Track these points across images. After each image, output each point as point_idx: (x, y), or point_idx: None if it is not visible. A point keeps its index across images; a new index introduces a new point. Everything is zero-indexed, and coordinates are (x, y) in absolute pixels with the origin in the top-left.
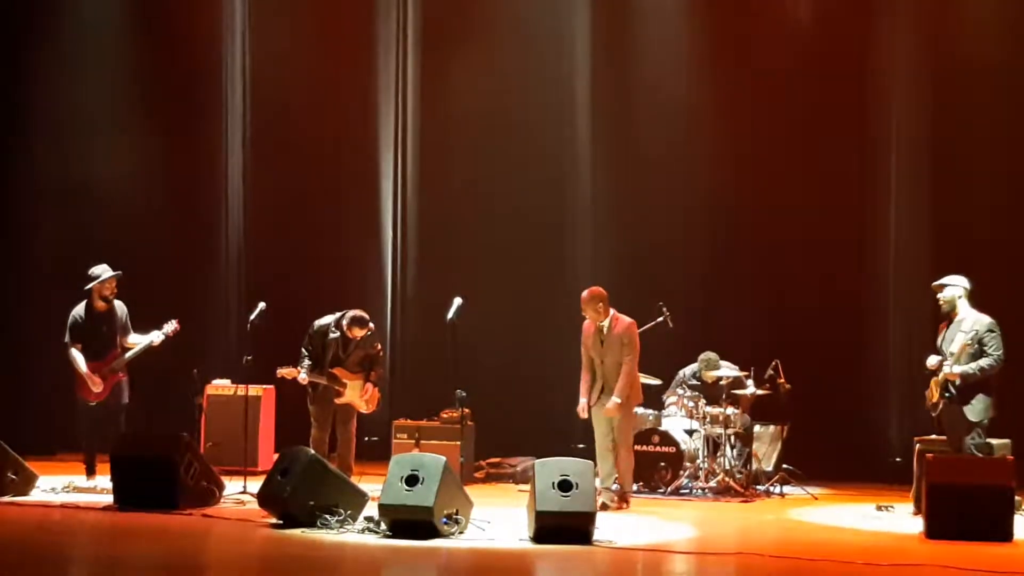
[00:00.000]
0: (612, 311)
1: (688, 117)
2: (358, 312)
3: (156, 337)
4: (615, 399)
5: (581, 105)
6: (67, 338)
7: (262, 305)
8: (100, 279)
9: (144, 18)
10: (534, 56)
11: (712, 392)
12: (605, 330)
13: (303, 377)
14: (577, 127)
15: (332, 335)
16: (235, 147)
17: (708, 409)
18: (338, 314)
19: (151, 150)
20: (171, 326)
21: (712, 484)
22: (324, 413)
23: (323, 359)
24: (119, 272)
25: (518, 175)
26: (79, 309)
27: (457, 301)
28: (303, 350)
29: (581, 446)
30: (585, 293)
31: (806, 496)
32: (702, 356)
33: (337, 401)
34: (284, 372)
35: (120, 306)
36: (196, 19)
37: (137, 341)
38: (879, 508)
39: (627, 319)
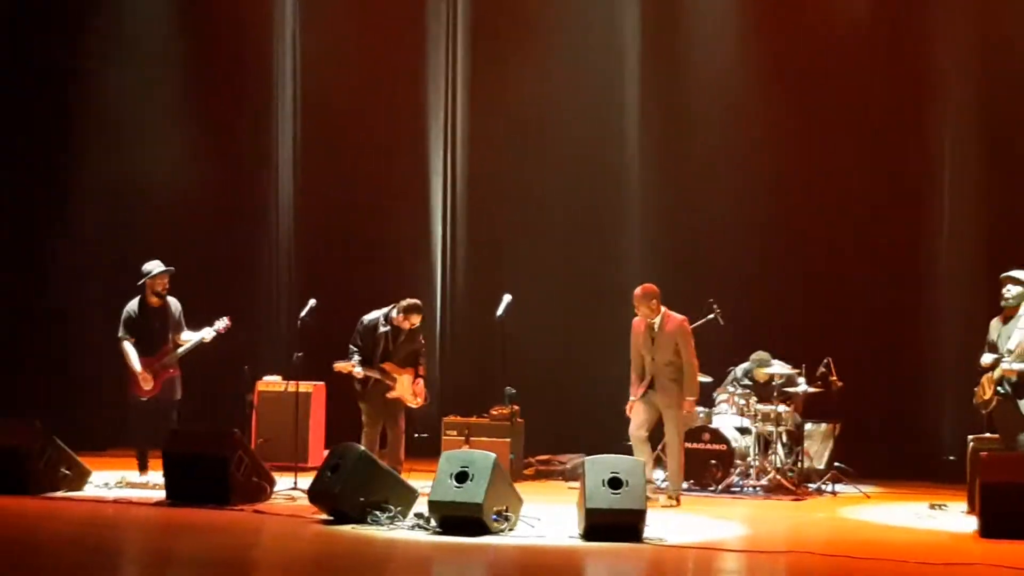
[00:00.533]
0: (664, 308)
1: (739, 114)
2: (412, 300)
3: (207, 334)
4: (689, 398)
5: (630, 103)
6: (120, 333)
7: (312, 302)
8: (152, 275)
9: (194, 18)
10: (584, 53)
11: (764, 392)
12: (656, 328)
13: (359, 371)
14: (626, 124)
15: (382, 329)
16: (285, 145)
17: (759, 407)
18: (387, 308)
19: (202, 148)
20: (223, 323)
21: (763, 482)
22: (375, 409)
23: (373, 354)
24: (171, 268)
25: (567, 172)
26: (132, 304)
27: (506, 298)
28: (351, 346)
29: (631, 443)
30: (638, 290)
31: (858, 494)
32: (754, 355)
33: (388, 396)
34: (340, 366)
35: (173, 302)
36: (246, 19)
37: (189, 338)
38: (932, 507)
39: (678, 316)
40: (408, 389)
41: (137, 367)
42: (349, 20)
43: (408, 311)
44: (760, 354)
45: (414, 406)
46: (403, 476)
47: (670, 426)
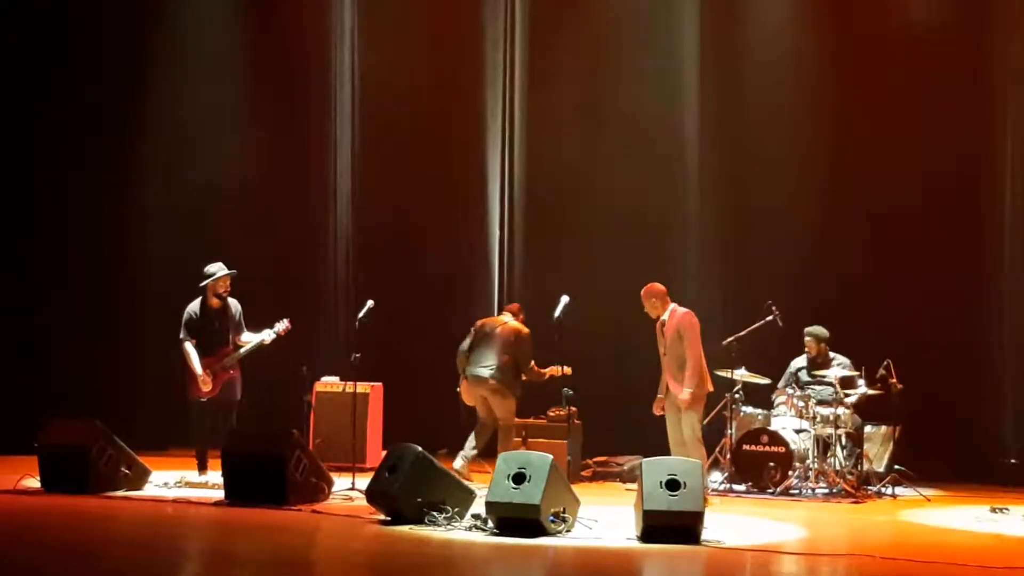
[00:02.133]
0: (672, 305)
1: (798, 115)
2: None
3: (268, 336)
4: (686, 389)
5: (688, 100)
6: (182, 334)
7: (370, 303)
8: (214, 277)
9: (253, 20)
10: (643, 50)
11: (815, 365)
12: (665, 324)
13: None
14: (685, 123)
15: None
16: (343, 147)
17: (818, 409)
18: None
19: (261, 151)
20: (282, 325)
21: (822, 485)
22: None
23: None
24: (233, 271)
25: (626, 173)
26: (194, 305)
27: (564, 299)
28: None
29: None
30: (646, 289)
31: (918, 497)
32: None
33: None
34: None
35: (234, 304)
36: (306, 20)
37: (250, 339)
38: (993, 510)
39: (683, 310)
40: None
41: (198, 369)
42: (407, 21)
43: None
44: (815, 328)
45: None
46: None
47: (685, 422)
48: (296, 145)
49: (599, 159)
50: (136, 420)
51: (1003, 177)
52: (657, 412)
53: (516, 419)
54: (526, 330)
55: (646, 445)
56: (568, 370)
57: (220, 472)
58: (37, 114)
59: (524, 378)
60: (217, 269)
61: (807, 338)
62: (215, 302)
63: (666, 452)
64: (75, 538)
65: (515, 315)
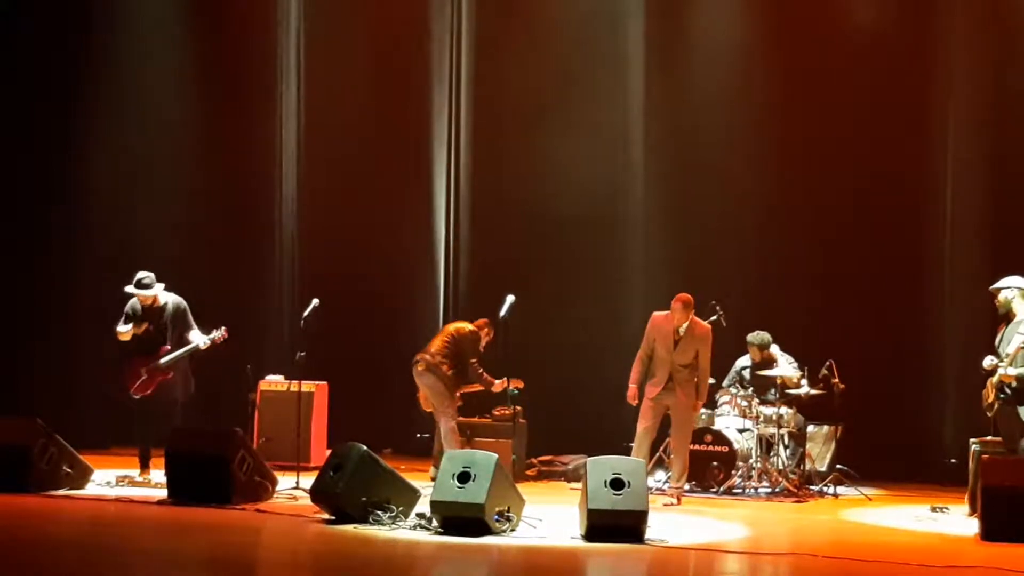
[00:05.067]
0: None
1: (743, 117)
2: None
3: (202, 341)
4: (698, 402)
5: (634, 104)
6: (120, 325)
7: (315, 302)
8: (131, 291)
9: (199, 19)
10: (588, 54)
11: (759, 377)
12: (682, 331)
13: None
14: (630, 125)
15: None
16: (289, 146)
17: (761, 409)
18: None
19: (204, 147)
20: (219, 333)
21: (765, 484)
22: None
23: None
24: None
25: (571, 173)
26: (135, 302)
27: (509, 299)
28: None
29: (632, 444)
30: (685, 297)
31: (860, 497)
32: (751, 335)
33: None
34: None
35: (174, 303)
36: (251, 20)
37: (192, 340)
38: (934, 509)
39: (705, 324)
40: None
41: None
42: (352, 21)
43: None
44: (759, 334)
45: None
46: (405, 476)
47: (685, 426)
48: (241, 144)
49: (545, 159)
50: (78, 419)
51: (944, 179)
52: (634, 402)
53: (461, 418)
54: (472, 328)
55: (591, 444)
56: (519, 383)
57: (163, 471)
58: None
59: (468, 381)
60: (135, 284)
61: (749, 346)
62: (151, 304)
63: (609, 451)
64: (16, 538)
65: (479, 327)
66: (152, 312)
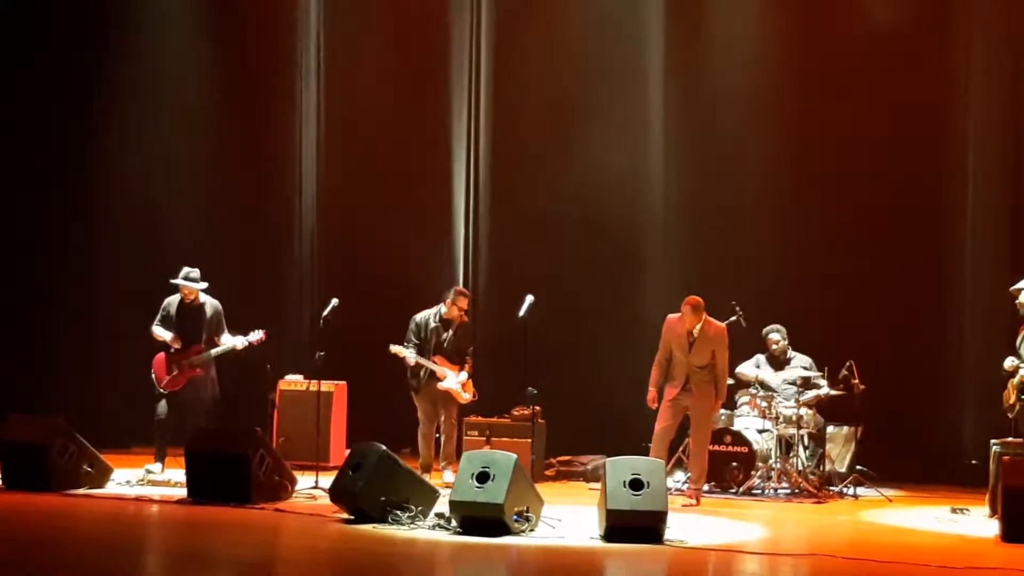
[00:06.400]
0: (704, 315)
1: (762, 115)
2: (458, 287)
3: (240, 342)
4: (719, 402)
5: (654, 102)
6: (155, 324)
7: (335, 301)
8: (178, 282)
9: (220, 16)
10: (607, 51)
11: (778, 362)
12: (696, 333)
13: (412, 357)
14: (650, 123)
15: (432, 324)
16: (309, 144)
17: (781, 410)
18: (437, 306)
19: (224, 146)
20: (257, 335)
21: (784, 485)
22: (430, 405)
23: (426, 348)
24: (196, 285)
25: (591, 171)
26: (172, 299)
27: (529, 299)
28: (406, 341)
29: (650, 444)
30: (695, 299)
31: (880, 498)
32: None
33: (439, 387)
34: (396, 349)
35: (213, 305)
36: (272, 18)
37: (226, 342)
38: (954, 511)
39: (720, 324)
40: (458, 384)
41: (165, 335)
42: (373, 19)
43: (456, 296)
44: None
45: (463, 401)
46: (424, 476)
47: (704, 427)
48: (261, 144)
49: (565, 158)
50: (99, 418)
51: (964, 180)
52: (654, 405)
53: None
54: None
55: (610, 444)
56: (411, 359)
57: (183, 469)
58: None
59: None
60: (183, 277)
61: (774, 335)
62: (191, 301)
63: (628, 452)
64: (36, 536)
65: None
66: (189, 311)
